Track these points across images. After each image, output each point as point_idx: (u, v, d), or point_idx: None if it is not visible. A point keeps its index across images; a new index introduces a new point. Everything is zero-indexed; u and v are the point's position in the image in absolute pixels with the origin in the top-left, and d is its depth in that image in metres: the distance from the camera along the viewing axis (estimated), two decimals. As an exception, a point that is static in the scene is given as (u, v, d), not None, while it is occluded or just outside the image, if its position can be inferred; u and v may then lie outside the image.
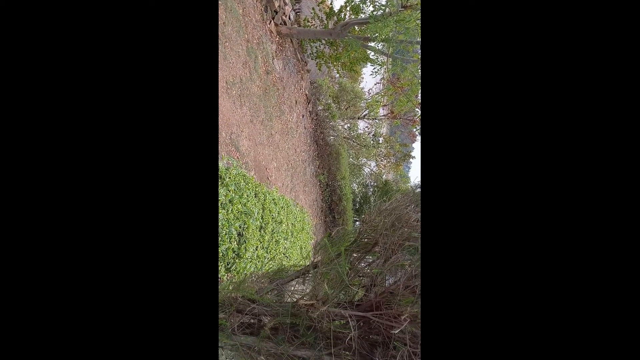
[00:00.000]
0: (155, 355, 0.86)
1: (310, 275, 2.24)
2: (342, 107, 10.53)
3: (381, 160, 12.38)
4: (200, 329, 0.90)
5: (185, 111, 0.92)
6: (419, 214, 1.79)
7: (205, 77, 0.94)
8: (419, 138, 11.97)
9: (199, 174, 0.94)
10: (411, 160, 12.53)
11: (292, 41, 7.79)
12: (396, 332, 1.32)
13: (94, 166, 0.86)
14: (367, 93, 11.36)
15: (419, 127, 10.49)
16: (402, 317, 1.40)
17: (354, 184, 12.61)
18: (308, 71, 8.89)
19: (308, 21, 7.61)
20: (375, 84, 10.94)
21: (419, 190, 2.18)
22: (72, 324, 0.83)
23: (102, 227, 0.86)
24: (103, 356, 0.84)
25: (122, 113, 0.88)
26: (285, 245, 4.51)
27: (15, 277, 0.80)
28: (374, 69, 7.51)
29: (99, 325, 0.84)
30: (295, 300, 1.93)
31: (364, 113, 11.53)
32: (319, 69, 8.64)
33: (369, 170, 12.98)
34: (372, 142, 11.52)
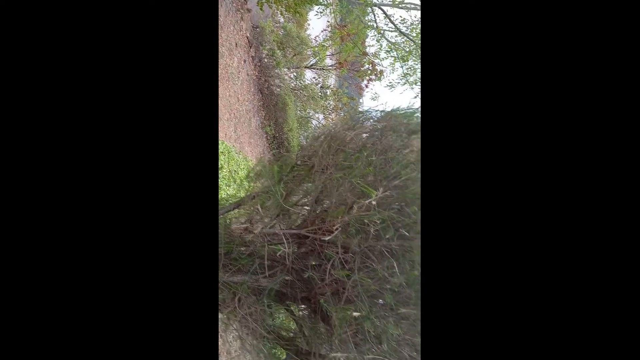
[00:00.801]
0: (154, 330, 0.86)
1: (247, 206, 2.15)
2: (288, 55, 9.98)
3: (329, 114, 12.24)
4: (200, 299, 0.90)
5: (185, 96, 0.91)
6: (354, 132, 1.75)
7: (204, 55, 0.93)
8: (366, 92, 11.95)
9: (199, 148, 0.92)
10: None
11: (228, -27, 6.96)
12: (327, 239, 1.31)
13: (94, 153, 0.84)
14: (313, 40, 10.84)
15: (365, 79, 10.44)
16: (334, 227, 1.39)
17: (302, 137, 12.46)
18: (249, 11, 8.14)
19: (246, -50, 6.78)
20: (322, 31, 10.44)
21: (357, 115, 2.15)
22: (68, 305, 0.82)
23: (96, 208, 0.84)
24: (101, 341, 0.82)
25: (116, 93, 0.86)
26: (228, 192, 4.35)
27: (15, 276, 0.79)
28: (319, 9, 7.09)
29: (95, 308, 0.83)
30: (229, 227, 1.85)
31: (311, 62, 11.09)
32: (261, 9, 7.93)
33: (317, 123, 12.83)
34: (319, 93, 11.24)
